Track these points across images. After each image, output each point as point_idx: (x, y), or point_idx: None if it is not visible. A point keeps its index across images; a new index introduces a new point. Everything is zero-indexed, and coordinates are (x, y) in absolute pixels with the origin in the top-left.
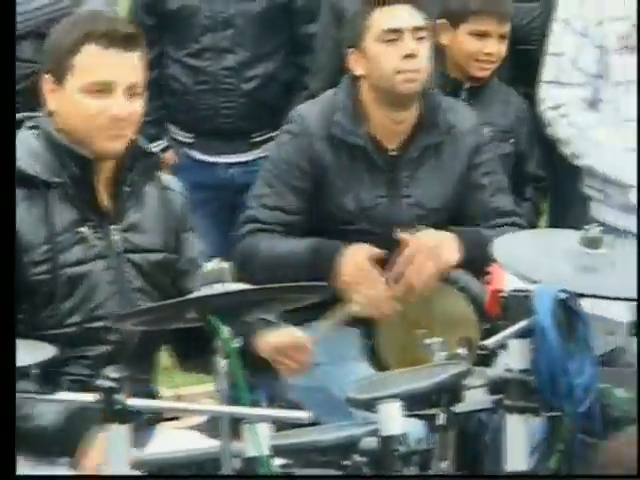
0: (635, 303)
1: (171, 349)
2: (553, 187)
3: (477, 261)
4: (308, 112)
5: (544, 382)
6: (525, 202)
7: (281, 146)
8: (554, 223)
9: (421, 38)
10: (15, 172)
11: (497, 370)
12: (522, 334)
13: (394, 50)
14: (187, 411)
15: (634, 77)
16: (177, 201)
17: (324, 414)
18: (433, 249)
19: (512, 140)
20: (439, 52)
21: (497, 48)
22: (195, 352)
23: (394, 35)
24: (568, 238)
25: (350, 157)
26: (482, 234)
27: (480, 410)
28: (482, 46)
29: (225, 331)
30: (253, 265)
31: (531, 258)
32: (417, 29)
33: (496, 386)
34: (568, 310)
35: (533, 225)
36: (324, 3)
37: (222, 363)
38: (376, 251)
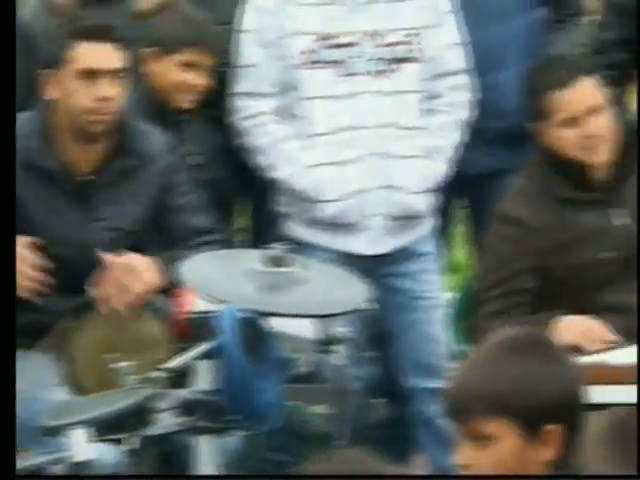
0: (320, 320)
1: None
2: (254, 205)
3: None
4: None
5: (232, 402)
6: (224, 225)
7: None
8: (256, 241)
9: (118, 79)
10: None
11: (187, 392)
12: (208, 355)
13: (89, 90)
14: None
15: (325, 92)
16: None
17: (23, 442)
18: (134, 272)
19: (214, 166)
20: (146, 79)
21: (204, 80)
22: None
23: (90, 75)
24: (254, 257)
25: (42, 181)
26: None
27: (171, 432)
28: (189, 77)
29: None
30: None
31: (217, 279)
32: (115, 71)
33: (186, 408)
34: (254, 329)
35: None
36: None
37: None
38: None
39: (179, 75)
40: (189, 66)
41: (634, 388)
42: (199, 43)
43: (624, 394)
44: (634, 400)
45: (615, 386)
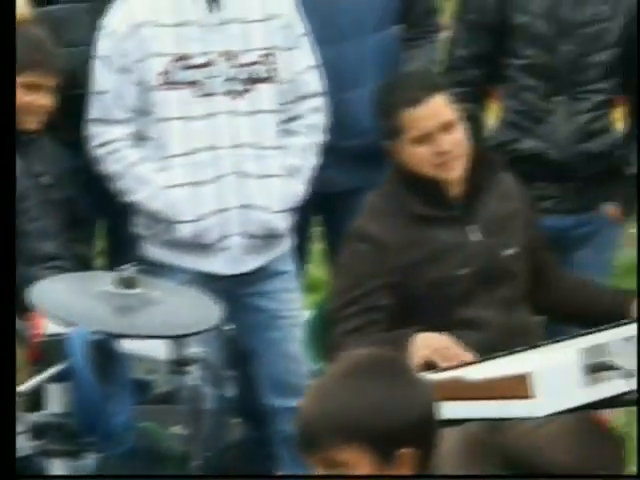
0: (172, 340)
1: None
2: (110, 226)
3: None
4: None
5: (83, 424)
6: (81, 244)
7: None
8: (113, 264)
9: None
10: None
11: (38, 415)
12: (59, 377)
13: None
14: None
15: (181, 113)
16: None
17: None
18: None
19: (65, 186)
20: None
21: (47, 100)
22: None
23: None
24: (106, 279)
25: None
26: None
27: (24, 456)
28: (34, 99)
29: None
30: None
31: (67, 301)
32: None
33: (38, 431)
34: (104, 351)
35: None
36: None
37: None
38: None
39: (23, 97)
40: (32, 87)
41: (489, 403)
42: (41, 65)
43: (479, 409)
44: (489, 415)
45: (470, 401)
